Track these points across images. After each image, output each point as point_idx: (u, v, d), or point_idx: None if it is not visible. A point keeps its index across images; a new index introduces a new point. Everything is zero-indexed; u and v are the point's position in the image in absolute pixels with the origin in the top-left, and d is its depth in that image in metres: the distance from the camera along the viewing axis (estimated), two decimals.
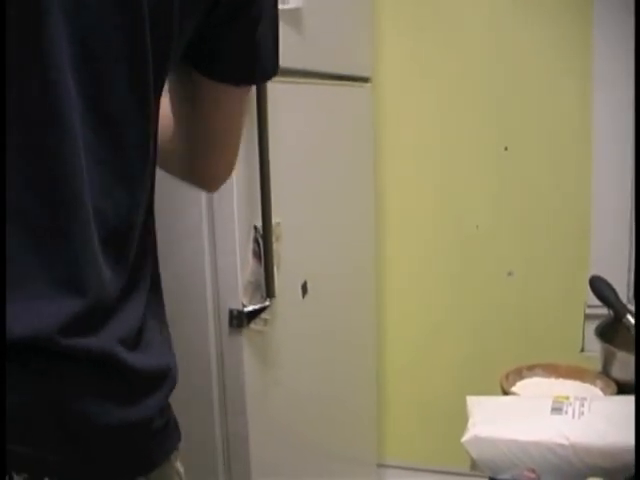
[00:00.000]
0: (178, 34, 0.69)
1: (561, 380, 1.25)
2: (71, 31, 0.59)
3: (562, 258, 1.93)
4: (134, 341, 0.68)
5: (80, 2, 0.60)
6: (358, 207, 1.94)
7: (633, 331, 1.24)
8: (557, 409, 1.03)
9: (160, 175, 0.80)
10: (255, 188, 1.37)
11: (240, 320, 1.39)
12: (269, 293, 1.42)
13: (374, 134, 2.00)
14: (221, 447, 1.43)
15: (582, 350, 1.92)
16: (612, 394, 1.16)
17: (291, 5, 1.47)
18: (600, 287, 1.33)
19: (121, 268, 0.67)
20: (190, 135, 0.88)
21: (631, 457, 0.96)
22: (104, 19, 0.61)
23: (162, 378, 0.72)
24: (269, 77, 0.87)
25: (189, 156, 0.90)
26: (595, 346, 1.30)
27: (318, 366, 1.72)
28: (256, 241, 1.39)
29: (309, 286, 1.63)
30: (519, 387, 1.22)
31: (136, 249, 0.70)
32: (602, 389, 1.19)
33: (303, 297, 1.62)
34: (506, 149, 1.91)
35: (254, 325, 1.42)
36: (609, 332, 1.26)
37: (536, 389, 1.23)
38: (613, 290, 1.32)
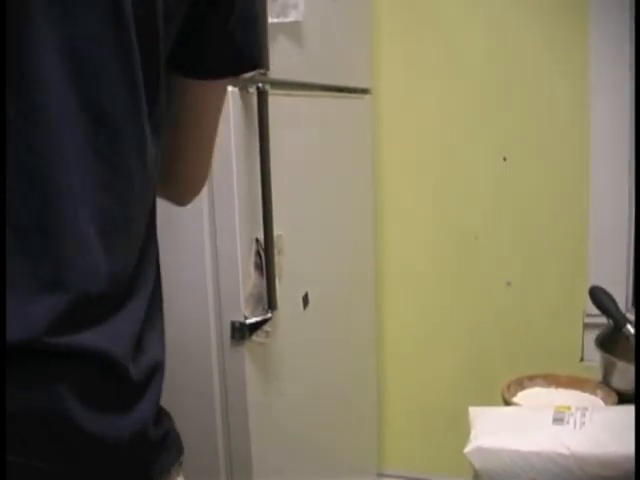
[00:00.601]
0: (164, 38, 0.69)
1: (562, 390, 1.25)
2: (58, 38, 0.59)
3: (561, 268, 1.94)
4: (133, 342, 0.67)
5: (66, 10, 0.60)
6: (358, 218, 1.95)
7: (633, 341, 1.25)
8: (559, 419, 1.04)
9: None
10: (256, 201, 1.38)
11: (242, 332, 1.40)
12: (271, 305, 1.43)
13: (373, 145, 2.01)
14: (223, 457, 1.43)
15: (582, 359, 1.93)
16: (613, 404, 1.17)
17: (291, 18, 1.49)
18: (600, 297, 1.34)
19: (123, 263, 0.67)
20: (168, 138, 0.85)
21: (631, 466, 0.97)
22: (90, 26, 0.61)
23: (153, 373, 0.71)
24: (254, 67, 0.84)
25: (165, 162, 0.85)
26: (595, 356, 1.31)
27: (319, 376, 1.73)
28: (258, 254, 1.40)
29: (310, 297, 1.64)
30: (520, 397, 1.23)
31: (140, 244, 0.70)
32: (603, 399, 1.20)
33: (304, 308, 1.63)
34: (505, 159, 1.92)
35: (256, 337, 1.43)
36: (609, 342, 1.27)
37: (537, 399, 1.23)
38: (613, 300, 1.33)
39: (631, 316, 1.29)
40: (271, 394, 1.50)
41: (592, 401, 1.21)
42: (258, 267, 1.41)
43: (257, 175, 1.38)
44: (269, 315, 1.42)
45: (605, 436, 1.00)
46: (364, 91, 1.93)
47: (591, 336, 1.87)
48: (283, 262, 1.48)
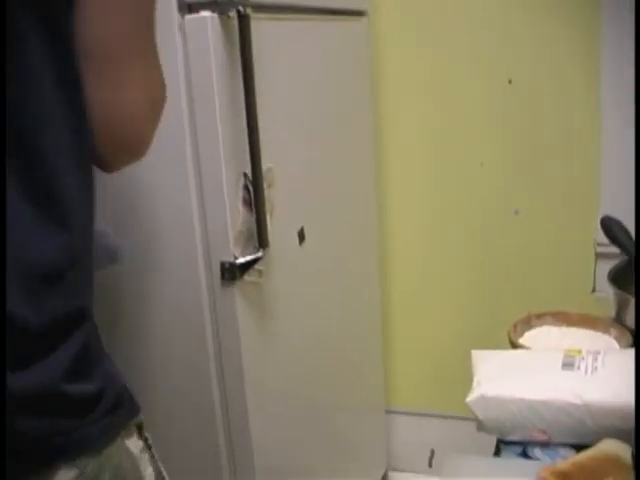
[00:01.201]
0: None
1: (573, 329, 1.18)
2: None
3: (570, 195, 1.83)
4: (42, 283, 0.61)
5: None
6: (357, 146, 1.85)
7: None
8: (568, 364, 0.96)
9: None
10: (242, 134, 1.28)
11: (232, 273, 1.32)
12: (262, 243, 1.34)
13: (372, 71, 1.88)
14: (219, 403, 1.38)
15: (593, 290, 1.85)
16: (627, 344, 1.10)
17: None
18: (612, 228, 1.26)
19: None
20: None
21: None
22: None
23: (68, 324, 0.64)
24: None
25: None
26: (607, 287, 1.23)
27: (319, 315, 1.66)
28: (246, 188, 1.31)
29: (306, 232, 1.55)
30: (528, 338, 1.16)
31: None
32: (616, 338, 1.13)
33: (300, 244, 1.55)
34: (510, 82, 1.80)
35: (248, 277, 1.35)
36: (622, 276, 1.19)
37: (546, 339, 1.16)
38: (626, 231, 1.24)
39: None
40: (267, 335, 1.43)
41: (605, 341, 1.14)
42: (247, 203, 1.32)
43: (242, 107, 1.27)
44: (260, 254, 1.33)
45: (619, 384, 0.93)
46: (360, 13, 1.79)
47: (603, 266, 1.80)
48: (274, 196, 1.39)
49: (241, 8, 1.23)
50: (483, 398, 0.95)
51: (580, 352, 0.99)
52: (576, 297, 1.82)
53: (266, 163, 1.32)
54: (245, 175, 1.30)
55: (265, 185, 1.33)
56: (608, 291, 1.23)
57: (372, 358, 2.05)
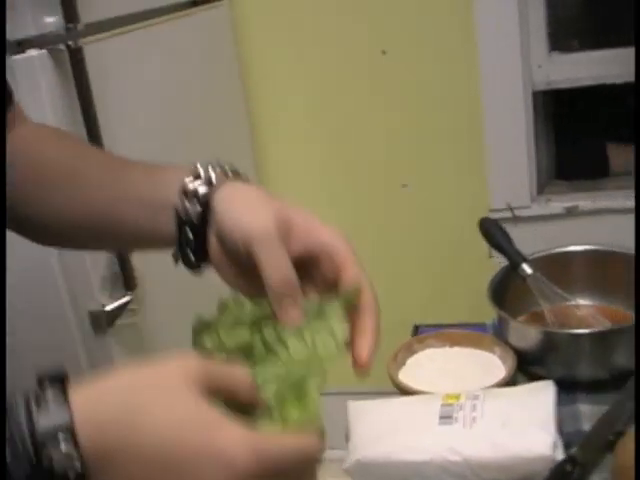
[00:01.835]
0: None
1: (457, 349, 1.14)
2: None
3: (457, 165, 1.78)
4: None
5: None
6: (230, 126, 1.74)
7: (530, 282, 1.13)
8: (446, 417, 0.93)
9: None
10: None
11: (103, 321, 1.24)
12: (129, 285, 1.26)
13: (239, 55, 1.76)
14: None
15: (490, 256, 1.82)
16: (511, 364, 1.06)
17: None
18: (492, 231, 1.21)
19: None
20: None
21: (530, 467, 0.88)
22: None
23: None
24: None
25: None
26: None
27: None
28: None
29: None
30: (411, 364, 1.12)
31: None
32: (500, 357, 1.10)
33: (176, 264, 1.46)
34: (384, 53, 1.70)
35: (121, 321, 1.28)
36: (502, 291, 1.15)
37: (430, 363, 1.12)
38: (506, 234, 1.19)
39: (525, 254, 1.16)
40: None
41: (489, 359, 1.11)
42: None
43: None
44: (127, 299, 1.25)
45: (498, 435, 0.90)
46: None
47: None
48: None
49: (70, 42, 1.11)
50: (360, 463, 0.92)
51: (458, 397, 0.95)
52: (475, 262, 1.81)
53: None
54: None
55: None
56: None
57: None
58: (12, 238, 1.15)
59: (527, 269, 1.14)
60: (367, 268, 0.62)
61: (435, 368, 1.11)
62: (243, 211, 0.62)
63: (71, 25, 1.10)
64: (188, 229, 0.65)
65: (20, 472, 0.45)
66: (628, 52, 1.50)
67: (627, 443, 0.88)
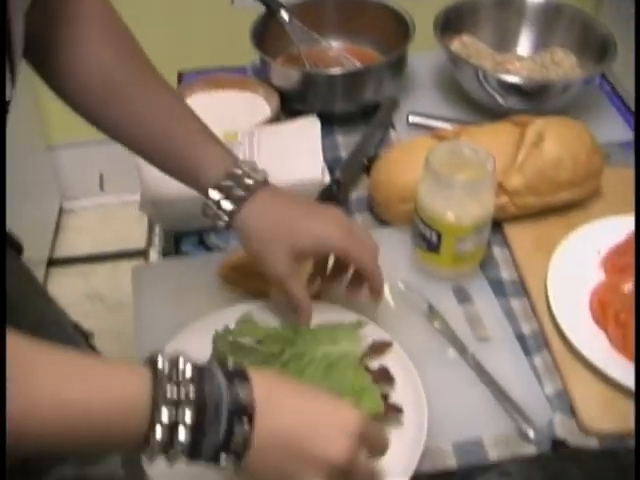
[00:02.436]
0: None
1: (224, 93, 1.21)
2: None
3: None
4: None
5: None
6: None
7: (287, 28, 1.20)
8: None
9: None
10: None
11: None
12: None
13: None
14: None
15: (232, 2, 1.85)
16: (275, 103, 1.16)
17: None
18: None
19: None
20: None
21: (304, 190, 1.01)
22: None
23: None
24: None
25: None
26: None
27: None
28: None
29: None
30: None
31: None
32: (264, 97, 1.19)
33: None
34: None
35: None
36: (265, 31, 1.21)
37: (199, 110, 1.18)
38: None
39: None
40: None
41: (254, 100, 1.19)
42: None
43: None
44: None
45: (275, 164, 1.00)
46: None
47: None
48: None
49: None
50: (154, 202, 0.98)
51: (236, 135, 1.04)
52: (217, 12, 1.82)
53: None
54: None
55: None
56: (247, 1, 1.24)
57: None
58: None
59: (284, 15, 1.20)
60: None
61: (205, 113, 1.17)
62: (260, 248, 0.79)
63: None
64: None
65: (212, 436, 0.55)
66: None
67: (379, 164, 1.04)
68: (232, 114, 1.16)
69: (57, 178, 2.18)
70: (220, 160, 0.81)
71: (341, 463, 0.59)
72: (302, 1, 1.24)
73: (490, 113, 1.15)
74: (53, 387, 0.52)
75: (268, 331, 0.81)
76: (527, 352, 0.88)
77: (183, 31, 1.86)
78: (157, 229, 1.07)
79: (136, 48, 0.82)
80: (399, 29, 1.19)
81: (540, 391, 0.83)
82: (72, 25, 0.77)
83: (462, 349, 0.87)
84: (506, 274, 0.97)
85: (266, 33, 1.21)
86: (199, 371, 0.57)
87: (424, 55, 1.28)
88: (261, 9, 1.20)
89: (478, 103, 1.18)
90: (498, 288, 0.95)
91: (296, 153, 1.02)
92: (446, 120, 1.16)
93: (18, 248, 0.91)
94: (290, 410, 0.60)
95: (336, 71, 1.17)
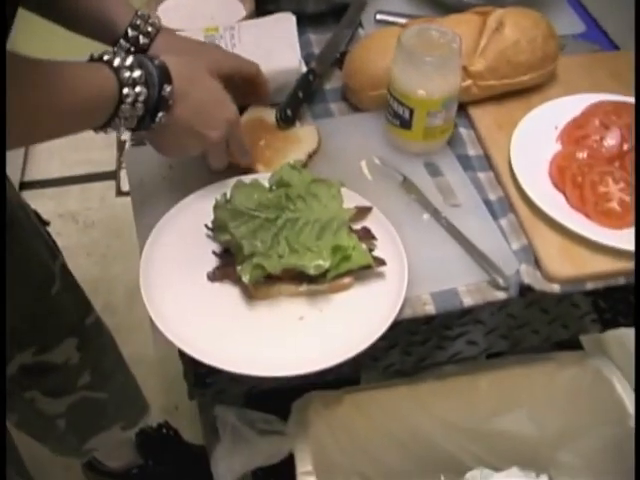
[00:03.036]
0: None
1: None
2: None
3: None
4: None
5: None
6: None
7: None
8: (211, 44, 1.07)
9: None
10: None
11: None
12: None
13: None
14: None
15: None
16: (250, 4, 1.21)
17: None
18: None
19: None
20: None
21: (283, 78, 1.07)
22: None
23: None
24: None
25: None
26: None
27: None
28: None
29: None
30: (162, 12, 1.21)
31: None
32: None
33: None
34: None
35: None
36: None
37: (178, 10, 1.22)
38: None
39: None
40: None
41: (230, 2, 1.23)
42: None
43: None
44: None
45: (255, 55, 1.06)
46: None
47: None
48: None
49: None
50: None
51: (217, 29, 1.09)
52: None
53: None
54: None
55: None
56: None
57: None
58: None
59: None
60: None
61: (180, 14, 1.22)
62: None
63: None
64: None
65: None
66: None
67: (352, 54, 1.10)
68: (208, 15, 1.20)
69: None
70: (125, 11, 0.94)
71: (213, 142, 0.86)
72: None
73: (454, 10, 1.21)
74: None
75: (261, 198, 0.88)
76: (494, 216, 0.96)
77: None
78: None
79: None
80: None
81: (507, 247, 0.93)
82: None
83: (436, 213, 0.95)
84: (472, 151, 1.05)
85: None
86: (139, 60, 0.78)
87: None
88: None
89: (442, 1, 1.25)
90: (466, 163, 1.03)
91: (274, 44, 1.08)
92: (412, 17, 1.22)
93: None
94: (190, 102, 0.84)
95: None
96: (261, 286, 0.84)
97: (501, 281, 0.88)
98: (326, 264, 0.83)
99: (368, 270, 0.86)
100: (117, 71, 0.76)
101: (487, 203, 0.98)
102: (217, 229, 0.88)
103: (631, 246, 0.88)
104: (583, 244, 0.90)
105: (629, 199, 0.93)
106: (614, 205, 0.93)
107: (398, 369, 0.98)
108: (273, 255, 0.83)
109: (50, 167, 2.21)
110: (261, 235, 0.85)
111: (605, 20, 1.27)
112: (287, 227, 0.86)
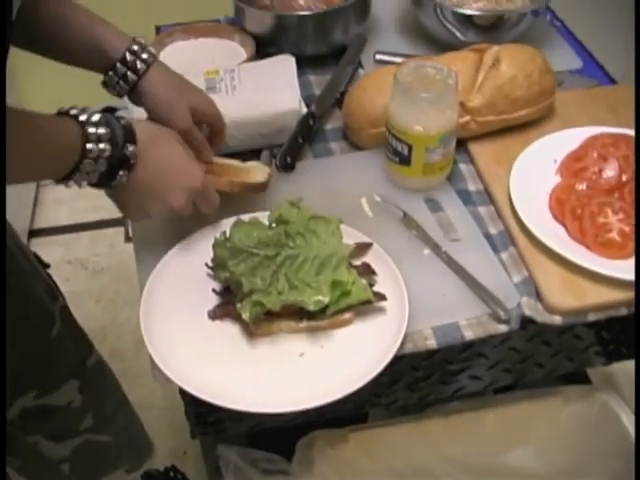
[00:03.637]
0: None
1: (202, 40, 1.28)
2: None
3: None
4: None
5: None
6: None
7: None
8: (211, 88, 1.09)
9: None
10: None
11: None
12: None
13: None
14: None
15: None
16: (251, 47, 1.23)
17: None
18: None
19: None
20: None
21: (283, 120, 1.09)
22: None
23: None
24: None
25: None
26: None
27: None
28: None
29: None
30: (164, 56, 1.23)
31: None
32: (240, 43, 1.26)
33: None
34: None
35: None
36: None
37: (181, 54, 1.25)
38: None
39: None
40: None
41: (232, 47, 1.26)
42: None
43: None
44: None
45: (255, 97, 1.08)
46: None
47: None
48: None
49: None
50: None
51: (218, 72, 1.11)
52: None
53: None
54: None
55: None
56: None
57: None
58: None
59: None
60: None
61: (183, 59, 1.25)
62: (167, 104, 0.93)
63: None
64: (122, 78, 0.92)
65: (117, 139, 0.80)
66: None
67: (351, 93, 1.12)
68: (210, 59, 1.23)
69: None
70: (121, 38, 0.93)
71: (177, 209, 0.87)
72: None
73: (451, 48, 1.23)
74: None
75: (260, 236, 0.88)
76: (495, 250, 0.96)
77: None
78: None
79: None
80: None
81: (508, 280, 0.92)
82: None
83: (436, 248, 0.95)
84: (473, 186, 1.06)
85: None
86: (106, 119, 0.81)
87: (388, 0, 1.38)
88: None
89: (439, 40, 1.27)
90: (466, 198, 1.03)
91: (274, 86, 1.10)
92: (410, 57, 1.24)
93: None
94: (154, 167, 0.85)
95: (307, 12, 1.25)
96: (261, 323, 0.84)
97: (502, 314, 0.87)
98: (325, 299, 0.83)
99: (368, 305, 0.86)
100: (83, 126, 0.78)
101: (488, 237, 0.98)
102: (217, 267, 0.88)
103: (632, 276, 0.88)
104: (584, 275, 0.90)
105: (629, 229, 0.93)
106: (614, 235, 0.93)
107: (403, 405, 0.97)
108: (273, 292, 0.84)
109: (59, 215, 2.24)
110: (260, 272, 0.85)
111: (601, 54, 1.28)
112: (286, 264, 0.86)
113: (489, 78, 1.06)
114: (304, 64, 1.24)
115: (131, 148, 0.82)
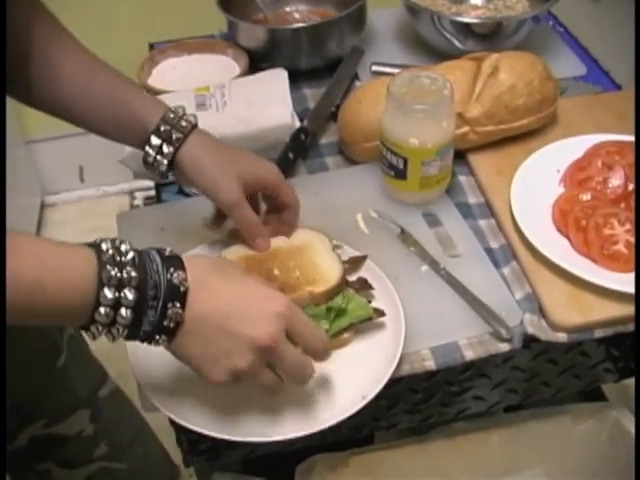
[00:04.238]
0: None
1: (195, 56, 1.26)
2: None
3: None
4: None
5: None
6: None
7: None
8: (201, 105, 1.06)
9: None
10: None
11: None
12: None
13: None
14: None
15: None
16: (244, 62, 1.21)
17: None
18: None
19: None
20: None
21: (275, 135, 1.06)
22: None
23: None
24: None
25: None
26: None
27: None
28: None
29: None
30: (156, 75, 1.21)
31: None
32: (234, 57, 1.23)
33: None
34: None
35: None
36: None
37: (173, 71, 1.23)
38: None
39: None
40: None
41: (225, 62, 1.24)
42: None
43: None
44: None
45: (246, 112, 1.06)
46: None
47: None
48: None
49: None
50: (134, 154, 1.03)
51: (208, 89, 1.09)
52: None
53: None
54: None
55: None
56: None
57: None
58: None
59: None
60: None
61: (176, 75, 1.22)
62: (211, 176, 0.81)
63: None
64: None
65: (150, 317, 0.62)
66: None
67: (344, 107, 1.09)
68: (203, 75, 1.21)
69: (37, 173, 2.21)
70: (155, 107, 0.83)
71: (265, 343, 0.65)
72: None
73: (449, 58, 1.20)
74: (11, 265, 0.57)
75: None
76: (497, 265, 0.93)
77: (153, 5, 1.91)
78: None
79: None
80: None
81: (510, 296, 0.89)
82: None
83: (435, 264, 0.92)
84: (473, 199, 1.02)
85: (232, 0, 1.25)
86: (139, 255, 0.63)
87: (384, 11, 1.35)
88: None
89: (437, 50, 1.24)
90: (466, 211, 1.00)
91: (266, 101, 1.07)
92: (407, 67, 1.21)
93: None
94: (221, 295, 0.66)
95: (300, 25, 1.23)
96: None
97: (504, 332, 0.84)
98: (325, 327, 0.80)
99: (367, 322, 0.82)
100: (100, 267, 0.61)
101: (489, 251, 0.94)
102: None
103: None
104: (589, 290, 0.86)
105: None
106: (620, 247, 0.89)
107: (405, 428, 0.93)
108: None
109: (63, 235, 2.22)
110: None
111: (606, 60, 1.25)
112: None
113: (488, 87, 1.03)
114: (299, 78, 1.21)
115: (181, 275, 0.64)
